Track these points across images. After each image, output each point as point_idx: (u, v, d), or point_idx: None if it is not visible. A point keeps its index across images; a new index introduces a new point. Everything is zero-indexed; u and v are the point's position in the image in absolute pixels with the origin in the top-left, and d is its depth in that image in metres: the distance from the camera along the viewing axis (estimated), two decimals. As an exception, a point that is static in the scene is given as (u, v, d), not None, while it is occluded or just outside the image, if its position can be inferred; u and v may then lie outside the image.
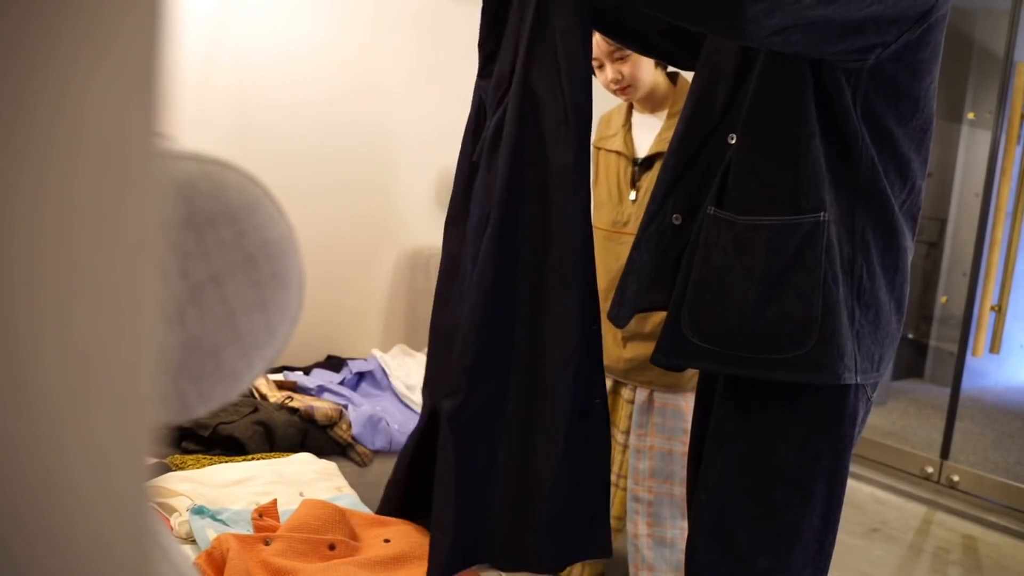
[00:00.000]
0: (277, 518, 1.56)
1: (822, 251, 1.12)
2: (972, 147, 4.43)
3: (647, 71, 1.99)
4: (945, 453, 3.32)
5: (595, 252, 2.18)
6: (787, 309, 1.14)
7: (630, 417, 2.15)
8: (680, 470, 2.08)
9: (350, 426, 2.20)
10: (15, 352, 0.24)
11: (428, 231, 3.04)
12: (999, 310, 3.30)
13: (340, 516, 1.51)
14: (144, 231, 0.26)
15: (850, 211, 1.14)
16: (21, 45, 0.23)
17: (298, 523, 1.48)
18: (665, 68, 2.05)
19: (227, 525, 1.52)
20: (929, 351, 4.75)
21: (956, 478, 3.23)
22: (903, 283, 1.23)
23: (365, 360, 2.61)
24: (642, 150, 2.07)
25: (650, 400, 2.10)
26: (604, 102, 2.22)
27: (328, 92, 2.76)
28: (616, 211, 2.09)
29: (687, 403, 2.06)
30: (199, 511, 1.54)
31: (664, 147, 1.99)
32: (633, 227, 2.03)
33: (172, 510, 1.59)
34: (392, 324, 3.00)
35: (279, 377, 2.44)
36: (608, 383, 2.23)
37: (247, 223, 0.39)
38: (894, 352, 1.27)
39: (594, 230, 2.18)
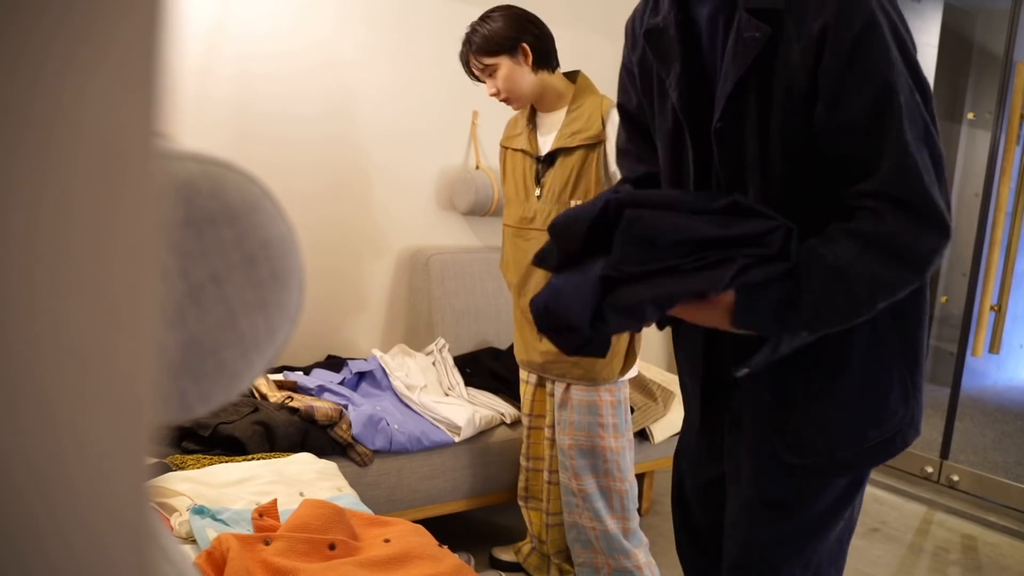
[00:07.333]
0: (277, 518, 1.56)
1: (884, 332, 1.11)
2: (972, 147, 4.43)
3: (522, 80, 2.06)
4: (945, 453, 3.32)
5: (506, 249, 2.25)
6: (881, 403, 1.13)
7: (553, 411, 2.19)
8: (603, 464, 2.12)
9: (350, 426, 2.20)
10: (15, 354, 0.24)
11: (428, 231, 3.04)
12: (999, 310, 3.30)
13: (340, 516, 1.51)
14: (144, 231, 0.26)
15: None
16: (15, 42, 0.22)
17: (298, 523, 1.48)
18: (551, 69, 2.11)
19: (227, 525, 1.52)
20: (929, 351, 4.74)
21: (956, 478, 3.23)
22: None
23: (365, 360, 2.61)
24: (545, 147, 2.14)
25: (566, 395, 2.14)
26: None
27: (328, 92, 2.76)
28: (523, 208, 2.16)
29: (600, 397, 2.10)
30: (199, 511, 1.54)
31: (564, 143, 2.07)
32: (539, 223, 2.10)
33: (172, 510, 1.59)
34: (392, 324, 3.00)
35: (279, 377, 2.44)
36: (532, 378, 2.28)
37: (247, 223, 0.39)
38: None
39: (504, 228, 2.25)
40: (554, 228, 1.14)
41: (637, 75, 1.26)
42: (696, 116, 1.15)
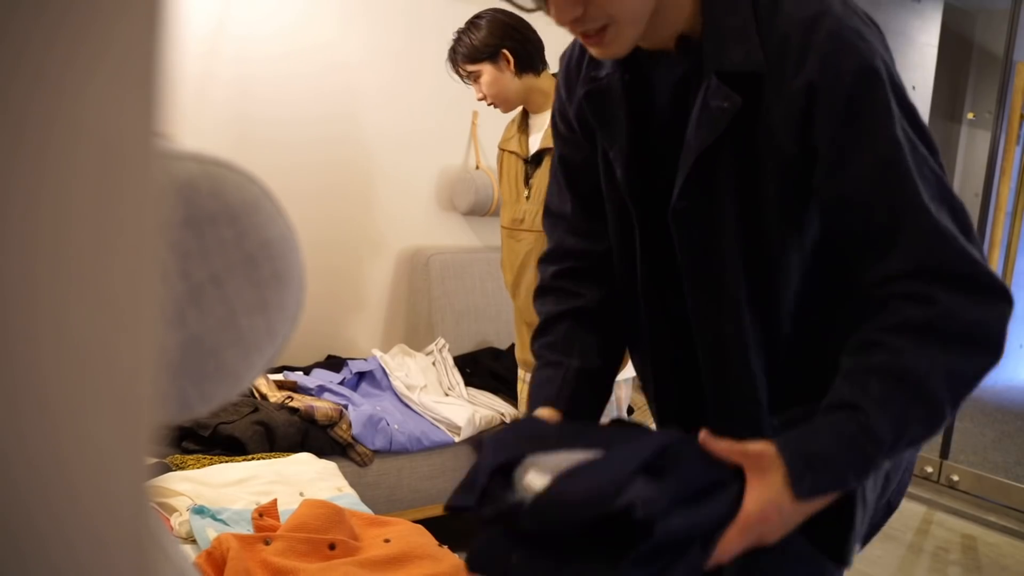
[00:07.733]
0: (277, 518, 1.56)
1: None
2: (972, 147, 4.43)
3: (506, 84, 2.10)
4: (945, 453, 3.32)
5: (503, 250, 2.26)
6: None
7: None
8: None
9: (350, 426, 2.20)
10: (16, 354, 0.24)
11: (428, 231, 3.04)
12: (999, 310, 3.30)
13: (340, 516, 1.51)
14: (144, 231, 0.26)
15: None
16: (15, 42, 0.22)
17: (298, 523, 1.48)
18: (537, 72, 2.13)
19: (227, 525, 1.52)
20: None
21: (956, 478, 3.23)
22: None
23: (365, 360, 2.62)
24: (534, 148, 2.16)
25: None
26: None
27: (329, 94, 2.76)
28: (515, 209, 2.19)
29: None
30: (199, 511, 1.54)
31: (548, 143, 2.05)
32: (529, 224, 2.11)
33: (172, 510, 1.59)
34: (392, 324, 3.00)
35: (279, 377, 2.44)
36: (530, 378, 2.27)
37: (247, 223, 0.39)
38: None
39: (501, 229, 2.27)
40: (549, 504, 0.77)
41: (578, 129, 1.06)
42: (647, 197, 0.97)
